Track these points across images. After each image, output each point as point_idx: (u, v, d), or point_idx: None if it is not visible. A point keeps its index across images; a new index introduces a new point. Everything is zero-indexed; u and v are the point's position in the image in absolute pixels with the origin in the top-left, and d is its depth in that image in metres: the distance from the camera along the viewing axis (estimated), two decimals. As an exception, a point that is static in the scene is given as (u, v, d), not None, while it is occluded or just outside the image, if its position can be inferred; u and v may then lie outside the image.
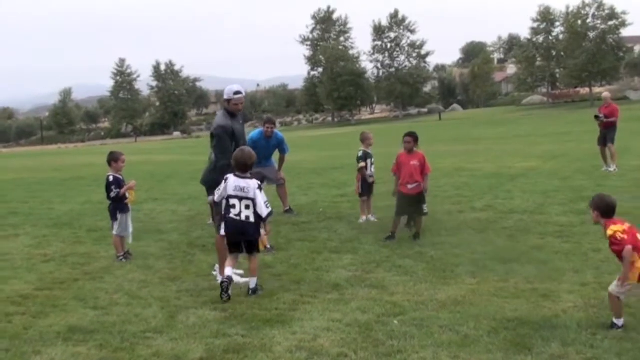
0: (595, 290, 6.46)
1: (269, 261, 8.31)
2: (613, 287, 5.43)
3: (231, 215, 6.83)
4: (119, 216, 8.78)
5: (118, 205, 8.81)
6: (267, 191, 12.95)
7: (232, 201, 6.82)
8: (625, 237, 5.34)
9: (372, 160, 11.13)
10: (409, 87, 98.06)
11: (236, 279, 7.18)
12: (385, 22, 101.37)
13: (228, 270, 6.80)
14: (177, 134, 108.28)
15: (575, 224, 9.85)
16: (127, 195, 8.80)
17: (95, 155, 40.37)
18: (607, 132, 16.76)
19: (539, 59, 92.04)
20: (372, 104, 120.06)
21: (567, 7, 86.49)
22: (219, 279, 6.97)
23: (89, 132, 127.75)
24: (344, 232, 10.06)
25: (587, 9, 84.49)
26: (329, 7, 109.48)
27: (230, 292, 6.62)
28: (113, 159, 8.93)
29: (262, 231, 7.45)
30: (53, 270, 8.31)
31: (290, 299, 6.62)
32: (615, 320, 5.40)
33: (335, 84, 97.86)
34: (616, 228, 5.43)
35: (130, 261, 8.61)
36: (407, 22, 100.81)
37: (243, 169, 6.89)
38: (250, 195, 6.80)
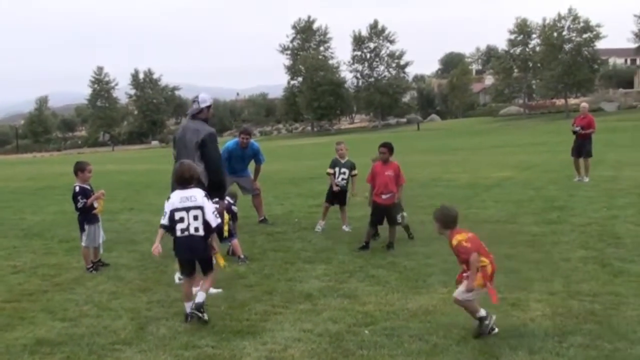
0: (564, 299, 6.53)
1: (241, 272, 8.30)
2: (459, 294, 5.58)
3: (178, 233, 6.31)
4: (86, 227, 8.62)
5: (85, 216, 8.64)
6: (243, 201, 12.98)
7: (179, 214, 6.30)
8: (469, 245, 5.54)
9: (342, 169, 11.08)
10: (388, 97, 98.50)
11: (210, 291, 6.88)
12: (364, 33, 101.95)
13: (188, 306, 6.33)
14: (155, 142, 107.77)
15: (546, 234, 9.96)
16: (95, 205, 8.65)
17: (71, 164, 39.73)
18: (583, 143, 16.79)
19: (515, 70, 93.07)
20: (351, 114, 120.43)
21: (544, 20, 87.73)
22: (187, 310, 6.38)
23: (65, 140, 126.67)
24: (318, 242, 10.06)
25: (563, 21, 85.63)
26: (309, 17, 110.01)
27: (205, 316, 6.20)
28: (79, 168, 8.73)
29: (215, 245, 6.92)
30: (22, 281, 8.21)
31: (261, 310, 6.61)
32: (478, 315, 5.57)
33: (315, 94, 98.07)
34: (460, 237, 5.61)
35: (101, 272, 8.53)
36: (386, 32, 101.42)
37: (184, 183, 6.46)
38: (199, 202, 6.34)
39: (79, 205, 8.55)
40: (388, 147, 9.53)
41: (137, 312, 6.65)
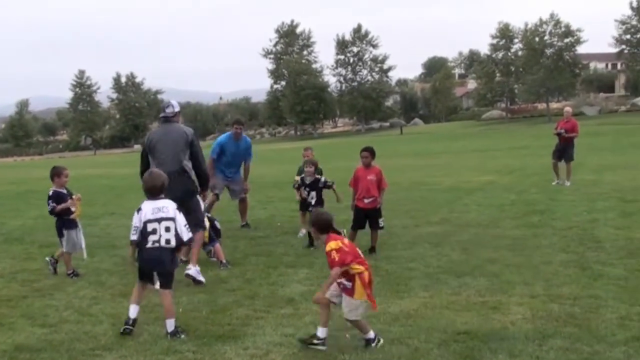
0: (544, 302, 6.58)
1: (223, 276, 8.28)
2: (346, 314, 5.57)
3: (149, 244, 6.11)
4: (65, 232, 8.50)
5: (63, 222, 8.50)
6: (226, 205, 12.92)
7: (152, 226, 6.11)
8: (338, 256, 5.41)
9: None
10: (371, 101, 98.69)
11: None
12: (348, 37, 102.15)
13: (133, 310, 6.18)
14: (137, 146, 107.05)
15: (528, 237, 10.03)
16: (73, 209, 8.46)
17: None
18: (566, 147, 16.85)
19: (498, 74, 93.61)
20: (334, 118, 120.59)
21: (526, 24, 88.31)
22: (132, 314, 6.20)
23: (46, 144, 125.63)
24: (301, 247, 10.05)
25: (545, 26, 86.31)
26: (292, 21, 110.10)
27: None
28: (55, 173, 8.57)
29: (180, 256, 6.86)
30: (1, 287, 8.12)
31: (243, 314, 6.59)
32: (367, 337, 5.53)
33: (298, 98, 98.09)
34: (333, 245, 5.49)
35: (81, 277, 8.46)
36: (369, 36, 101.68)
37: (156, 193, 6.30)
38: (170, 214, 6.18)
39: (48, 208, 8.45)
40: (370, 152, 9.53)
41: (118, 317, 6.59)
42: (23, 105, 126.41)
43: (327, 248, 5.53)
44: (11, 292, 7.82)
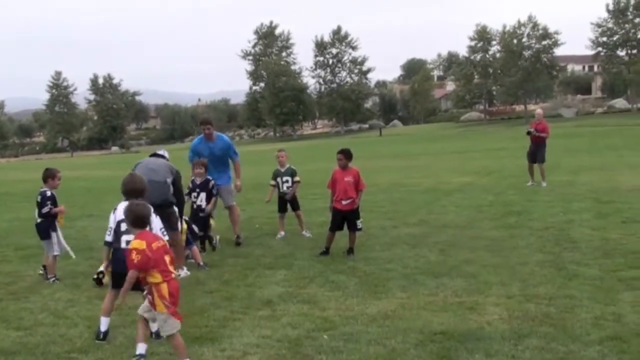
0: (520, 302, 6.63)
1: (201, 278, 8.24)
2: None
3: (122, 244, 5.95)
4: (52, 234, 8.35)
5: (50, 224, 8.35)
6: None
7: (125, 226, 5.91)
8: (137, 258, 5.09)
9: (284, 178, 11.20)
10: (350, 103, 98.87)
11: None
12: (327, 38, 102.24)
13: (104, 323, 5.98)
14: (115, 148, 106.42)
15: (505, 238, 10.10)
16: (58, 218, 8.42)
17: (29, 170, 39.25)
18: (537, 149, 17.04)
19: (476, 76, 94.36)
20: (314, 119, 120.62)
21: (504, 27, 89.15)
22: (103, 327, 6.03)
23: (23, 146, 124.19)
24: (279, 248, 10.04)
25: (523, 28, 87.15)
26: (271, 22, 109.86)
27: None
28: (50, 175, 8.48)
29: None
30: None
31: (221, 316, 6.57)
32: (137, 349, 5.33)
33: (277, 99, 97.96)
34: (136, 245, 5.18)
35: (56, 280, 8.36)
36: (349, 38, 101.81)
37: (134, 195, 6.16)
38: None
39: (44, 210, 8.28)
40: (345, 154, 9.46)
41: (94, 320, 6.50)
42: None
43: (130, 246, 5.27)
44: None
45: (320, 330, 5.97)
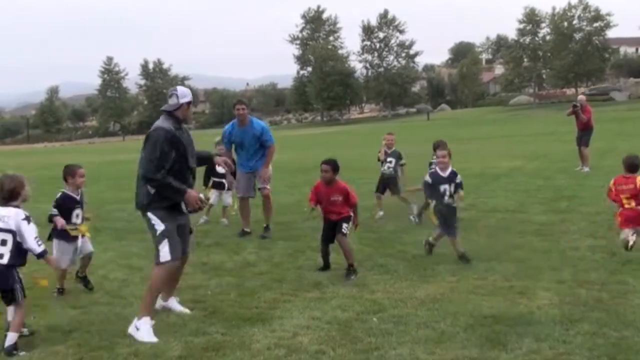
0: (571, 287, 6.56)
1: (251, 260, 8.37)
2: None
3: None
4: (54, 241, 7.01)
5: (55, 228, 7.00)
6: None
7: None
8: None
9: (389, 158, 11.43)
10: (397, 87, 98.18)
11: (177, 307, 6.33)
12: (374, 22, 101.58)
13: (11, 338, 5.35)
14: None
15: (555, 223, 9.97)
16: (71, 233, 7.01)
17: (83, 153, 40.19)
18: (582, 134, 17.21)
19: (525, 59, 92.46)
20: (361, 104, 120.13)
21: (553, 9, 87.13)
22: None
23: (76, 130, 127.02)
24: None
25: (573, 10, 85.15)
26: (318, 7, 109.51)
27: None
28: (69, 173, 7.15)
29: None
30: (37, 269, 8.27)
31: (271, 298, 6.67)
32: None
33: (325, 84, 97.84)
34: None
35: (111, 259, 8.56)
36: (396, 22, 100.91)
37: (5, 197, 5.51)
38: (11, 226, 5.34)
39: (49, 213, 7.02)
40: (331, 165, 7.68)
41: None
42: (53, 91, 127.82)
43: None
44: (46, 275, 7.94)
45: (370, 313, 6.01)
